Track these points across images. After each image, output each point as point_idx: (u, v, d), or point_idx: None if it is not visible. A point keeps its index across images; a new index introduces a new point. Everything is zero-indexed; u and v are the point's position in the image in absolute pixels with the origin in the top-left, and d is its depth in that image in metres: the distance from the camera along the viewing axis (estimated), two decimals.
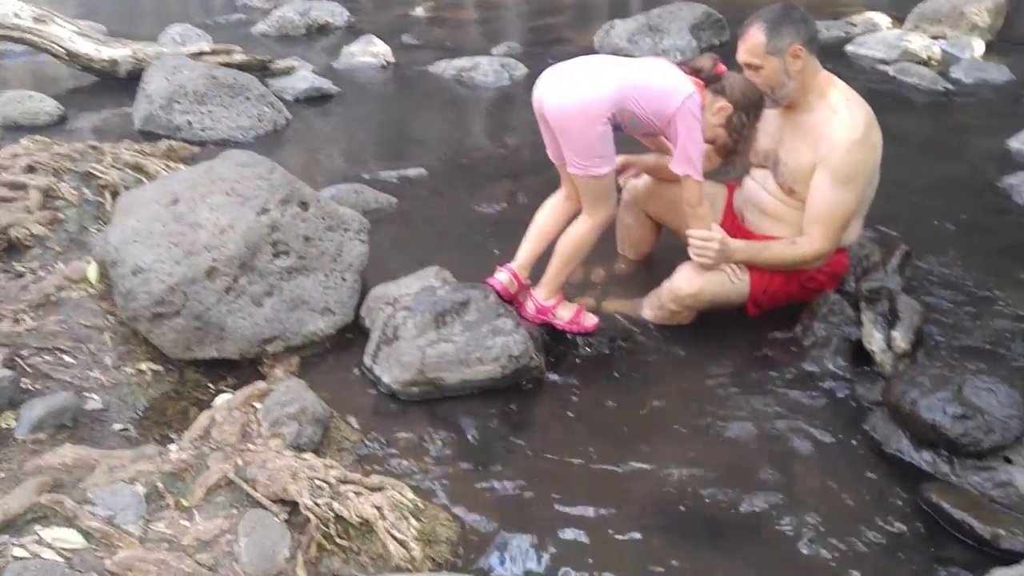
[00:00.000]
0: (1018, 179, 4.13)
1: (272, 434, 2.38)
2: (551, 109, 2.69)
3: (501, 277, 2.90)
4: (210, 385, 2.80)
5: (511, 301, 2.92)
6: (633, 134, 2.85)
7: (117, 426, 2.56)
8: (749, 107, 2.81)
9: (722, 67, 2.79)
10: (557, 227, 2.93)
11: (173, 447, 2.34)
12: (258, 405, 2.48)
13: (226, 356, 2.83)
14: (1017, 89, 5.61)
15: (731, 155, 2.91)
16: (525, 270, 2.94)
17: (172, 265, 2.73)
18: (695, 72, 2.76)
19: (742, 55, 2.84)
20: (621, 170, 3.20)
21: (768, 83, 2.82)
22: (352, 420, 2.62)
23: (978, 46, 6.32)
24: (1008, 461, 2.30)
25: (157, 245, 2.77)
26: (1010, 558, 2.05)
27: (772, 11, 2.81)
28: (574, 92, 2.66)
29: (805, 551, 2.17)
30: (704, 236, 2.84)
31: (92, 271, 3.01)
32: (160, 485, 2.13)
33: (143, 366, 2.76)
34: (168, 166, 4.03)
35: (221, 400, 2.59)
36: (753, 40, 2.79)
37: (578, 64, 2.78)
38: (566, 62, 2.81)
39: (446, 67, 6.15)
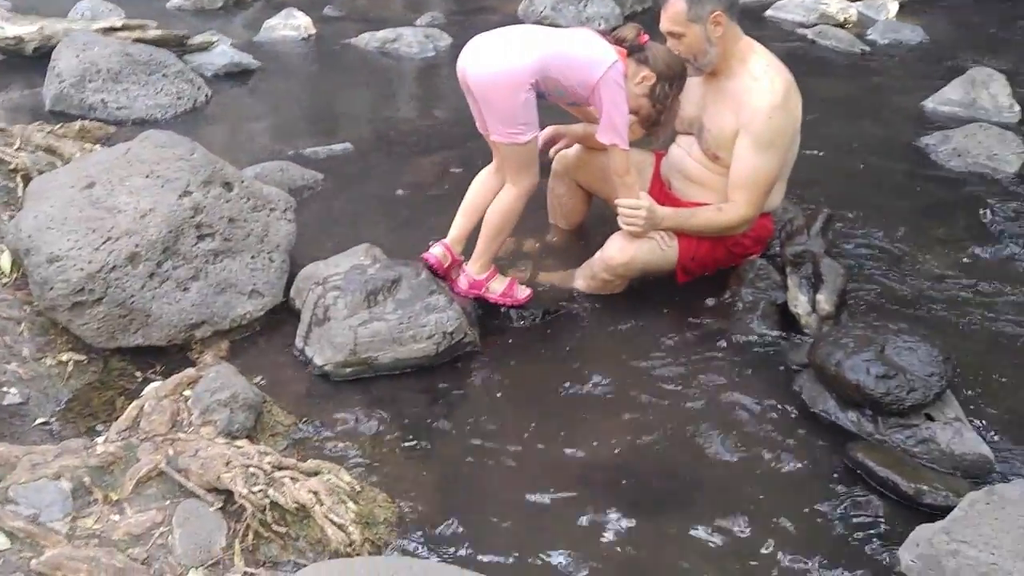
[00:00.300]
0: (934, 139, 4.25)
1: (203, 422, 2.33)
2: (474, 78, 2.68)
3: (435, 251, 2.89)
4: (137, 374, 2.72)
5: (445, 276, 2.90)
6: (558, 103, 2.84)
7: (39, 420, 2.47)
8: (672, 78, 2.82)
9: (645, 37, 2.80)
10: (487, 198, 2.92)
11: (100, 440, 2.28)
12: (188, 393, 2.43)
13: (152, 343, 2.75)
14: (930, 49, 5.77)
15: (655, 126, 2.93)
16: (459, 244, 2.93)
17: (91, 252, 2.64)
18: (619, 42, 2.76)
19: (664, 23, 2.84)
20: (551, 142, 3.20)
21: (691, 50, 2.84)
22: (285, 404, 2.57)
23: (892, 7, 6.49)
24: (929, 418, 2.39)
25: (74, 231, 2.67)
26: (933, 512, 2.13)
27: None
28: (496, 60, 2.66)
29: (738, 513, 2.22)
30: (632, 204, 2.86)
31: (4, 260, 2.90)
32: (87, 480, 2.07)
33: (64, 357, 2.67)
34: (83, 148, 3.89)
35: (149, 389, 2.52)
36: (675, 8, 2.80)
37: (501, 33, 2.77)
38: (490, 32, 2.79)
39: (369, 39, 6.03)
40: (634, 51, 2.77)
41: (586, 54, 2.70)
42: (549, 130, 3.18)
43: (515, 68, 2.63)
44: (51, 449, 2.18)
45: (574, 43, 2.73)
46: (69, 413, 2.53)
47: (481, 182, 2.97)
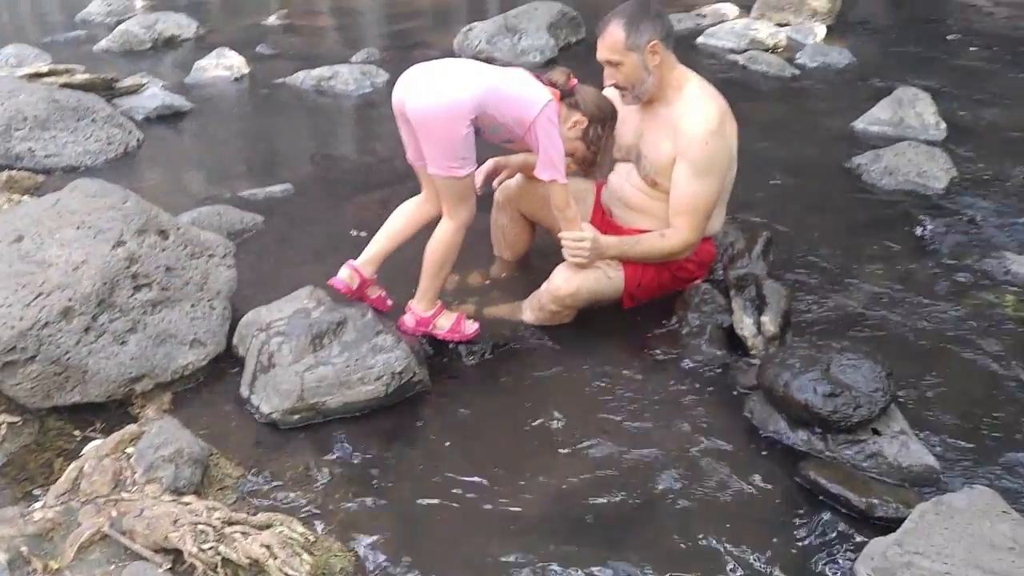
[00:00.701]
0: (866, 158, 4.35)
1: (148, 479, 2.26)
2: (414, 110, 2.66)
3: (341, 274, 2.86)
4: (76, 433, 2.62)
5: (361, 298, 2.88)
6: (491, 140, 2.82)
7: None
8: (604, 119, 2.88)
9: (574, 81, 2.83)
10: (409, 227, 2.93)
11: (38, 505, 2.19)
12: (130, 450, 2.36)
13: (91, 400, 2.66)
14: (858, 71, 5.93)
15: (591, 167, 2.97)
16: (371, 266, 2.90)
17: (21, 308, 2.55)
18: (551, 85, 2.78)
19: (602, 52, 2.87)
20: (494, 174, 3.21)
21: (628, 79, 2.87)
22: (233, 455, 2.51)
23: (820, 31, 6.65)
24: (876, 432, 2.42)
25: (2, 288, 2.58)
26: (886, 525, 2.16)
27: (629, 8, 2.86)
28: (438, 93, 2.64)
29: (695, 539, 2.22)
30: (576, 237, 2.87)
31: None
32: (24, 549, 1.99)
33: None
34: (11, 199, 3.78)
35: (89, 448, 2.43)
36: (612, 37, 2.82)
37: (440, 66, 2.76)
38: (427, 63, 2.79)
39: (305, 77, 6.00)
40: (565, 95, 2.80)
41: (522, 92, 2.71)
42: (490, 163, 3.18)
43: (457, 102, 2.62)
44: None
45: (511, 81, 2.74)
46: (3, 479, 2.42)
47: (407, 211, 2.96)
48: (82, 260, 2.68)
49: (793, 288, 3.17)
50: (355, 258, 2.90)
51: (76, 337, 2.61)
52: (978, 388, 2.75)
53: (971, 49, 6.29)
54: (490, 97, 2.66)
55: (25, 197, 3.92)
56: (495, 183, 3.26)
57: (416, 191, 2.97)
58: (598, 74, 3.03)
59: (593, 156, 2.91)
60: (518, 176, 3.27)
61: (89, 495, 2.20)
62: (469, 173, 2.71)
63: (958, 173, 4.18)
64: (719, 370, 2.86)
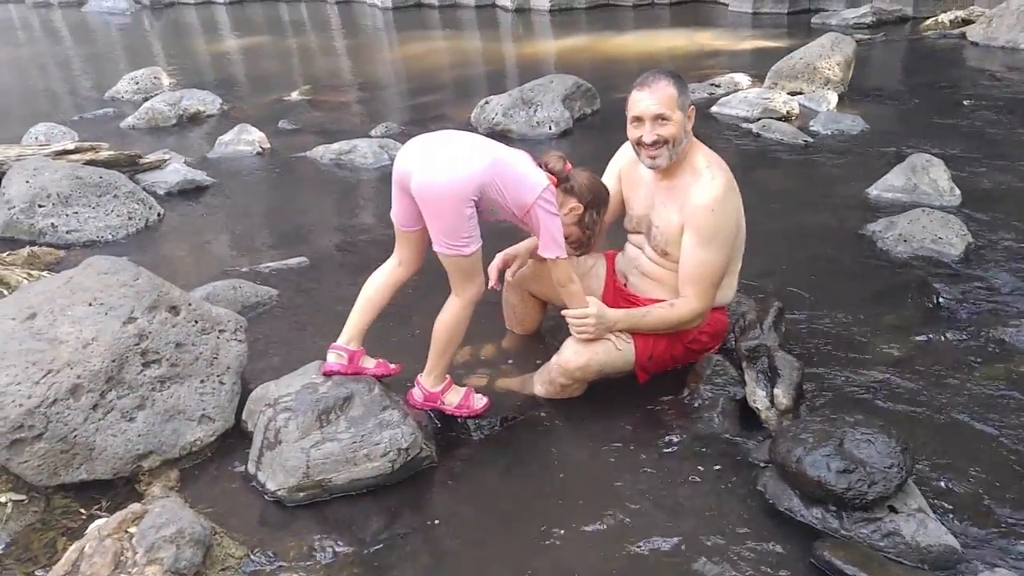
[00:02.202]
0: (880, 225, 4.33)
1: (148, 560, 2.23)
2: (420, 185, 2.63)
3: (329, 358, 2.88)
4: (82, 511, 2.61)
5: (358, 372, 2.87)
6: (489, 219, 2.77)
7: None
8: (598, 204, 2.91)
9: (569, 166, 2.85)
10: (384, 295, 2.95)
11: None
12: (132, 530, 2.33)
13: (97, 477, 2.66)
14: (871, 138, 5.95)
15: (584, 248, 3.00)
16: (356, 340, 2.91)
17: (30, 386, 2.57)
18: (547, 170, 2.80)
19: (654, 106, 2.82)
20: (504, 267, 3.19)
21: (673, 135, 2.84)
22: (237, 533, 2.48)
23: (832, 99, 6.71)
24: (893, 510, 2.35)
25: (13, 365, 2.60)
26: None
27: (668, 71, 2.89)
28: (445, 170, 2.62)
29: None
30: (579, 314, 2.87)
31: None
32: None
33: (3, 498, 2.56)
34: (30, 275, 3.85)
35: (92, 528, 2.41)
36: (666, 91, 2.82)
37: (449, 139, 2.75)
38: (431, 135, 2.79)
39: (324, 151, 6.11)
40: (561, 180, 2.82)
41: (522, 175, 2.72)
42: (499, 259, 3.17)
43: (462, 180, 2.60)
44: None
45: (511, 163, 2.74)
46: (7, 559, 2.41)
47: (379, 280, 2.96)
48: (92, 337, 2.70)
49: (806, 359, 3.12)
50: (369, 333, 2.93)
51: (84, 414, 2.62)
52: (998, 464, 2.67)
53: (984, 115, 6.30)
54: (493, 176, 2.65)
55: (45, 272, 3.98)
56: (508, 275, 3.24)
57: (431, 262, 2.93)
58: (615, 143, 3.05)
59: (588, 239, 2.95)
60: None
61: None
62: (475, 250, 2.71)
63: (974, 240, 4.15)
64: (732, 444, 2.81)
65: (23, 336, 2.68)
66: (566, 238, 2.86)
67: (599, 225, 2.95)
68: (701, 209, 2.86)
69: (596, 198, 2.91)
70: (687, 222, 2.89)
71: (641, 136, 2.88)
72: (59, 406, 2.58)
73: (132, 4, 14.97)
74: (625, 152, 3.15)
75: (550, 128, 6.34)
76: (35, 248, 4.37)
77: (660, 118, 2.83)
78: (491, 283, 3.06)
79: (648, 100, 2.84)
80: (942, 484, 2.58)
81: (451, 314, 2.81)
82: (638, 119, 2.87)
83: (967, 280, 3.81)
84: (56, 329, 2.71)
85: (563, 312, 2.91)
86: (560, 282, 2.85)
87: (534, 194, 2.68)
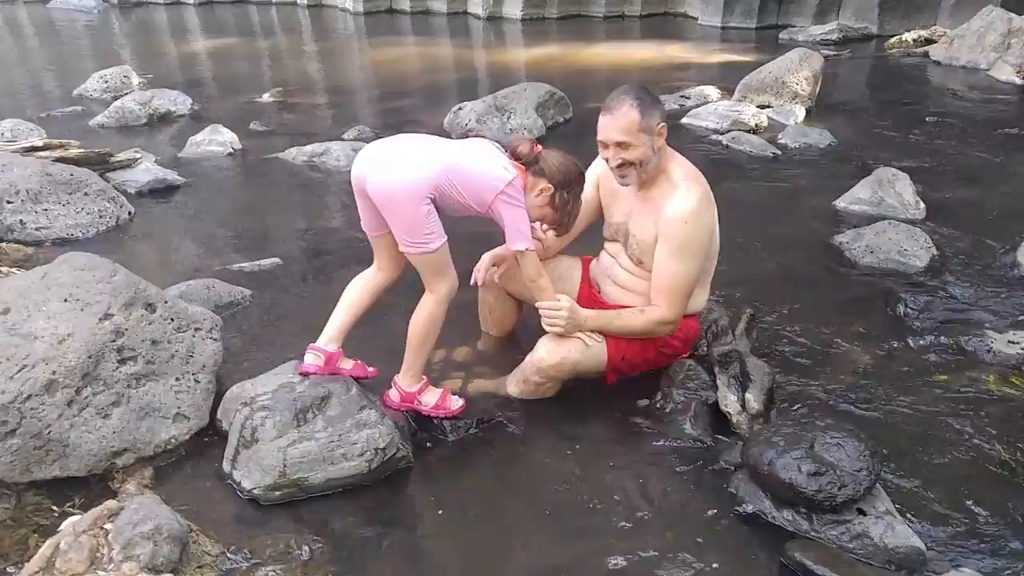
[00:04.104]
0: (847, 237, 4.43)
1: (124, 557, 2.21)
2: (374, 188, 2.68)
3: (307, 359, 2.89)
4: (54, 508, 2.58)
5: (335, 372, 2.89)
6: (451, 215, 2.80)
7: None
8: (570, 184, 2.88)
9: (539, 148, 2.86)
10: (365, 298, 2.96)
11: None
12: (108, 526, 2.31)
13: (71, 474, 2.64)
14: (838, 151, 6.07)
15: (560, 227, 2.99)
16: (333, 343, 2.92)
17: (4, 381, 2.54)
18: (515, 157, 2.82)
19: (613, 133, 2.86)
20: (494, 266, 3.22)
21: (638, 159, 2.87)
22: (213, 532, 2.47)
23: (800, 112, 6.83)
24: (861, 513, 2.41)
25: None
26: None
27: (635, 91, 2.88)
28: (396, 172, 2.66)
29: None
30: (551, 305, 2.91)
31: None
32: None
33: None
34: None
35: (67, 524, 2.39)
36: (628, 118, 2.83)
37: (399, 143, 2.78)
38: (386, 140, 2.82)
39: (297, 153, 6.10)
40: (530, 164, 2.83)
41: (481, 171, 2.73)
42: (486, 258, 3.21)
43: (415, 181, 2.63)
44: None
45: (471, 158, 2.76)
46: None
47: (361, 283, 2.99)
48: (68, 333, 2.68)
49: (777, 365, 3.18)
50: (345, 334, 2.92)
51: (59, 410, 2.60)
52: (963, 467, 2.75)
53: (947, 131, 6.46)
54: (447, 177, 2.67)
55: (14, 269, 3.93)
56: (496, 278, 3.26)
57: (404, 265, 2.98)
58: (587, 153, 3.09)
59: (561, 218, 2.93)
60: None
61: (64, 573, 2.15)
62: (440, 245, 2.72)
63: (938, 251, 4.25)
64: (703, 447, 2.86)
65: None
66: (540, 219, 2.90)
67: (574, 204, 2.93)
68: (674, 221, 2.89)
69: (567, 178, 2.86)
70: (660, 233, 2.93)
71: (608, 159, 2.93)
72: (33, 401, 2.56)
73: (99, 2, 14.78)
74: (602, 161, 3.19)
75: (523, 135, 6.37)
76: (3, 245, 4.30)
77: (621, 144, 2.86)
78: (479, 282, 3.12)
79: (610, 127, 2.87)
80: (908, 487, 2.66)
81: (426, 312, 2.83)
82: (603, 144, 2.93)
83: (931, 291, 3.91)
84: (31, 324, 2.69)
85: (536, 303, 2.95)
86: (529, 276, 2.89)
87: (494, 191, 2.71)
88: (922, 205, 4.85)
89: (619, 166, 2.91)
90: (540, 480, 2.72)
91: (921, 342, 3.48)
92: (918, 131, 6.49)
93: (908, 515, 2.51)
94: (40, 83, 9.11)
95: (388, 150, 2.75)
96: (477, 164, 2.75)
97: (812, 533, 2.42)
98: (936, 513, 2.55)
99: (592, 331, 2.99)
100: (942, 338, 3.49)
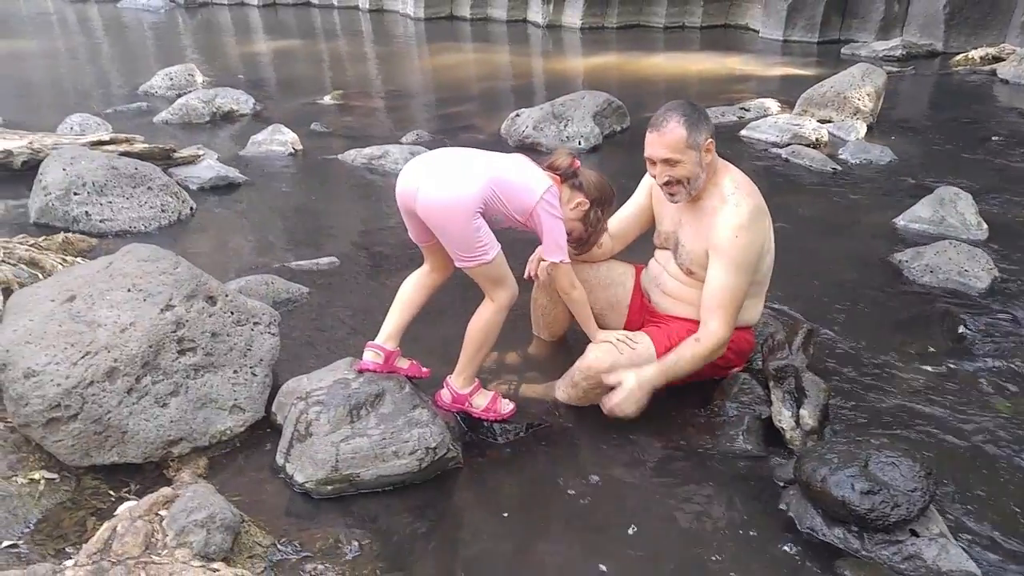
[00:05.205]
0: (907, 255, 4.35)
1: (178, 543, 2.26)
2: (424, 209, 2.69)
3: (367, 356, 2.91)
4: (111, 492, 2.65)
5: (392, 370, 2.91)
6: (495, 227, 2.79)
7: (5, 543, 2.39)
8: (604, 202, 2.97)
9: (577, 163, 2.90)
10: (420, 296, 3.00)
11: (69, 563, 2.19)
12: (163, 513, 2.36)
13: (128, 460, 2.70)
14: (898, 169, 5.96)
15: (583, 245, 3.06)
16: (391, 341, 2.94)
17: (68, 367, 2.61)
18: (553, 169, 2.87)
19: (659, 150, 2.85)
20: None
21: (686, 176, 2.86)
22: (264, 523, 2.51)
23: (862, 129, 6.72)
24: (914, 534, 2.36)
25: (52, 346, 2.65)
26: None
27: (683, 107, 2.87)
28: (445, 191, 2.67)
29: None
30: (619, 395, 2.86)
31: None
32: None
33: (36, 475, 2.60)
34: (64, 260, 3.90)
35: (123, 509, 2.45)
36: (674, 135, 2.82)
37: (441, 160, 2.81)
38: (429, 155, 2.86)
39: (356, 155, 6.18)
40: (568, 177, 2.87)
41: (522, 180, 2.77)
42: (539, 252, 3.20)
43: (463, 197, 2.65)
44: (17, 574, 2.10)
45: (511, 170, 2.79)
46: (38, 535, 2.44)
47: (414, 281, 3.03)
48: (130, 322, 2.75)
49: (832, 382, 3.14)
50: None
51: (119, 398, 2.66)
52: (1020, 493, 2.68)
53: (1013, 152, 6.29)
54: (492, 189, 2.69)
55: (78, 259, 4.04)
56: (548, 271, 3.26)
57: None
58: (642, 162, 3.07)
59: (588, 236, 3.01)
60: None
61: (120, 556, 2.21)
62: (495, 255, 2.74)
63: (1000, 274, 4.15)
64: (756, 462, 2.83)
65: (62, 318, 2.73)
66: (569, 233, 2.92)
67: (601, 225, 3.01)
68: (727, 234, 2.86)
69: (602, 196, 2.96)
70: (712, 247, 2.90)
71: (655, 175, 2.93)
72: (95, 388, 2.63)
73: (166, 2, 15.16)
74: None
75: (579, 143, 6.38)
76: (69, 235, 4.43)
77: (668, 161, 2.85)
78: (532, 274, 3.15)
79: (657, 143, 2.87)
80: (963, 510, 2.59)
81: (485, 318, 2.85)
82: (650, 160, 2.92)
83: (991, 313, 3.82)
84: (95, 312, 2.76)
85: (603, 402, 2.92)
86: (563, 288, 2.92)
87: (535, 197, 2.74)
88: (984, 226, 4.74)
89: (667, 183, 2.91)
90: (588, 490, 2.71)
91: (980, 365, 3.40)
92: (982, 151, 6.34)
93: (962, 538, 2.45)
94: (108, 79, 9.37)
95: (431, 169, 2.75)
96: (518, 174, 2.79)
97: (863, 553, 2.39)
98: (991, 538, 2.49)
99: (661, 386, 2.92)
100: (1002, 362, 3.41)
